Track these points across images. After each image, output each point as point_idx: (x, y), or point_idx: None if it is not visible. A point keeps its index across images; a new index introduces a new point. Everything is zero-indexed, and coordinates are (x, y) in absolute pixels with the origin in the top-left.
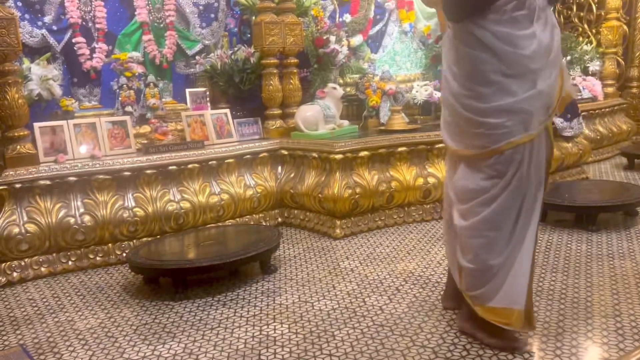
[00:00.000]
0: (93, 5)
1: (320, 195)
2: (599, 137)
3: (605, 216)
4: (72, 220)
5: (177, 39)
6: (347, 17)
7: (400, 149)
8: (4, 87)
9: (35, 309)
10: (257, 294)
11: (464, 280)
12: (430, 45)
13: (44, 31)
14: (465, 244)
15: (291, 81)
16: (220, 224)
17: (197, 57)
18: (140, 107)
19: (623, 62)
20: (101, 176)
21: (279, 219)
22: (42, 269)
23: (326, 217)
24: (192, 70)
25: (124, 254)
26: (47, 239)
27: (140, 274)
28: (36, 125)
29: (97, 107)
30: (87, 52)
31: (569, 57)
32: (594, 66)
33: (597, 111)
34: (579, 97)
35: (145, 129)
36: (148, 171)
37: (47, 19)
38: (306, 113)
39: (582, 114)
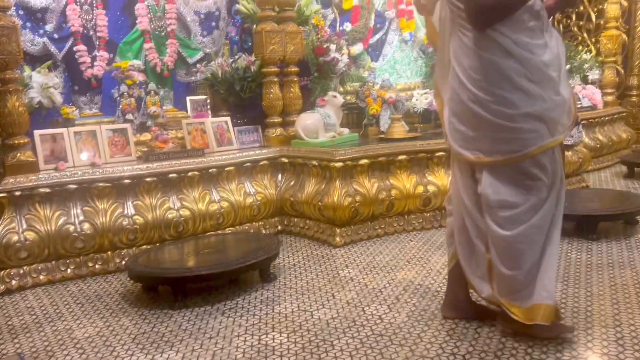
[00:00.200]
0: (94, 14)
1: (320, 203)
2: (598, 146)
3: (605, 225)
4: (71, 228)
5: (178, 47)
6: (348, 26)
7: (400, 157)
8: (5, 95)
9: (34, 317)
10: (256, 302)
11: (504, 286)
12: (430, 53)
13: (45, 39)
14: (509, 252)
15: (291, 89)
16: (220, 231)
17: (198, 65)
18: (140, 115)
19: (622, 71)
20: (101, 184)
21: (279, 227)
22: (41, 277)
23: (326, 225)
24: (193, 78)
25: (124, 262)
26: (47, 246)
27: (139, 282)
28: (36, 132)
29: (97, 114)
30: (88, 60)
31: (568, 66)
32: (594, 75)
33: (596, 119)
34: (579, 106)
35: (146, 136)
36: (148, 179)
37: (49, 27)
38: (306, 121)
39: (582, 122)
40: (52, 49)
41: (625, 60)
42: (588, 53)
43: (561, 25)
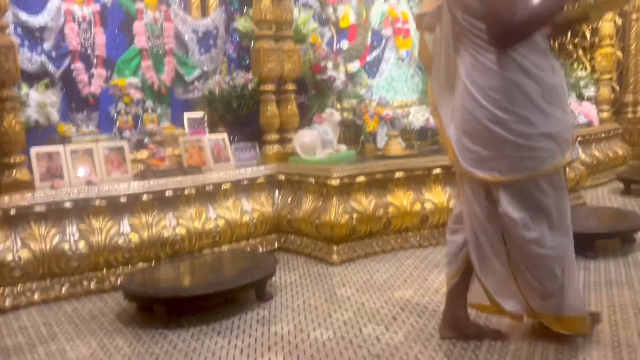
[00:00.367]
0: (92, 32)
1: (317, 220)
2: (595, 162)
3: (603, 243)
4: (66, 246)
5: (175, 65)
6: (345, 44)
7: (397, 174)
8: (2, 113)
9: (27, 338)
10: (252, 322)
11: (536, 298)
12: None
13: (43, 57)
14: (547, 267)
15: (289, 107)
16: (216, 249)
17: (195, 83)
18: (137, 133)
19: (618, 88)
20: (97, 202)
21: (276, 244)
22: (35, 296)
23: (323, 243)
24: (191, 95)
25: (119, 281)
26: (41, 265)
27: (134, 301)
28: (33, 150)
29: (94, 132)
30: (86, 78)
31: None
32: (589, 92)
33: (593, 136)
34: (575, 123)
35: (143, 154)
36: (144, 197)
37: (47, 45)
38: (304, 138)
39: (578, 139)
40: (50, 67)
41: (620, 77)
42: (583, 70)
43: (557, 43)
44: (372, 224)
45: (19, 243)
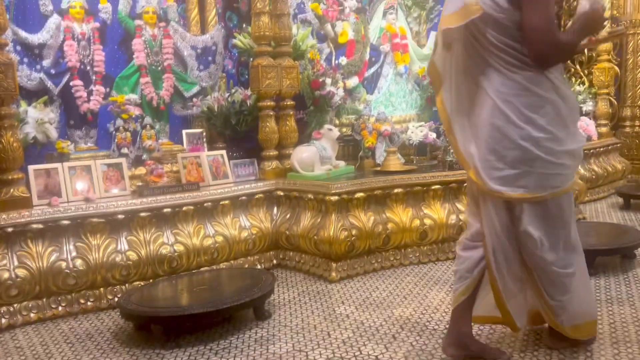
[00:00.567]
0: (92, 49)
1: (315, 237)
2: (594, 177)
3: (602, 259)
4: (63, 264)
5: (174, 81)
6: (343, 60)
7: (396, 190)
8: (0, 131)
9: (23, 358)
10: (250, 342)
11: (563, 315)
12: (425, 86)
13: (42, 74)
14: (562, 283)
15: (287, 123)
16: (214, 266)
17: (194, 99)
18: (136, 149)
19: (616, 102)
20: (95, 219)
21: (274, 261)
22: (32, 314)
23: (322, 260)
24: (189, 112)
25: (116, 299)
26: (38, 283)
27: (131, 321)
28: (30, 168)
29: (92, 148)
30: (85, 94)
31: None
32: (587, 106)
33: (591, 151)
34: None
35: (141, 170)
36: (142, 214)
37: (46, 62)
38: (302, 154)
39: None
40: (49, 84)
41: (618, 91)
42: (581, 85)
43: None
44: (371, 240)
45: (16, 261)
